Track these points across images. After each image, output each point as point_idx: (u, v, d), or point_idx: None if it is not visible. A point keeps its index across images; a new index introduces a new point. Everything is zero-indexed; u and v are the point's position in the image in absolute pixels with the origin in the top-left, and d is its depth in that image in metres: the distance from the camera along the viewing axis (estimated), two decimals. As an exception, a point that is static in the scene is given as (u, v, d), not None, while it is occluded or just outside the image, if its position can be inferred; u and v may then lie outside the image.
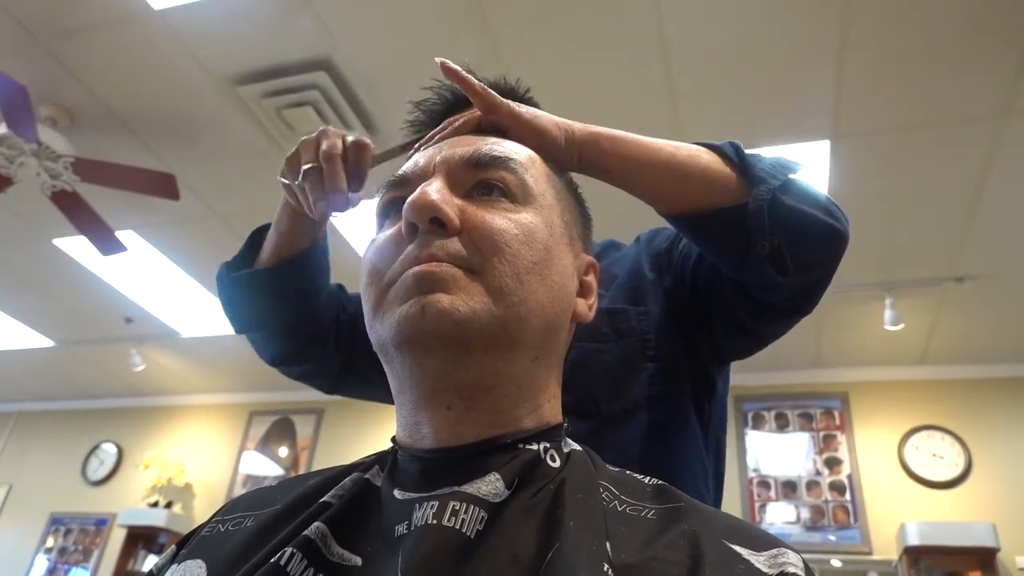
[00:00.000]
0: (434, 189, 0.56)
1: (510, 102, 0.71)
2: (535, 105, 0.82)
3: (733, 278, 0.80)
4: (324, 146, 0.76)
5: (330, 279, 0.98)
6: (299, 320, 0.94)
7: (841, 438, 4.28)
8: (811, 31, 2.41)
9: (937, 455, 4.09)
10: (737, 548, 0.46)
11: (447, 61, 0.72)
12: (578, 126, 0.74)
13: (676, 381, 0.88)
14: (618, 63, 2.54)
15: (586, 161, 0.74)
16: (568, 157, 0.73)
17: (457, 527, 0.46)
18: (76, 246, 3.93)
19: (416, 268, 0.54)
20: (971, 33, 2.35)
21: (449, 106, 0.94)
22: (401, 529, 0.49)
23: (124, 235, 3.63)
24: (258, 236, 0.94)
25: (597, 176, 0.77)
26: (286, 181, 0.79)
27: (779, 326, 0.86)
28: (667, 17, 2.39)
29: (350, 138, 0.78)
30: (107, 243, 3.32)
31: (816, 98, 2.64)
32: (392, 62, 2.68)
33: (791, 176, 0.75)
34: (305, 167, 0.76)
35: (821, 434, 4.33)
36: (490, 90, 0.71)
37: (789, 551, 0.47)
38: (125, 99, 2.96)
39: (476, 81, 0.72)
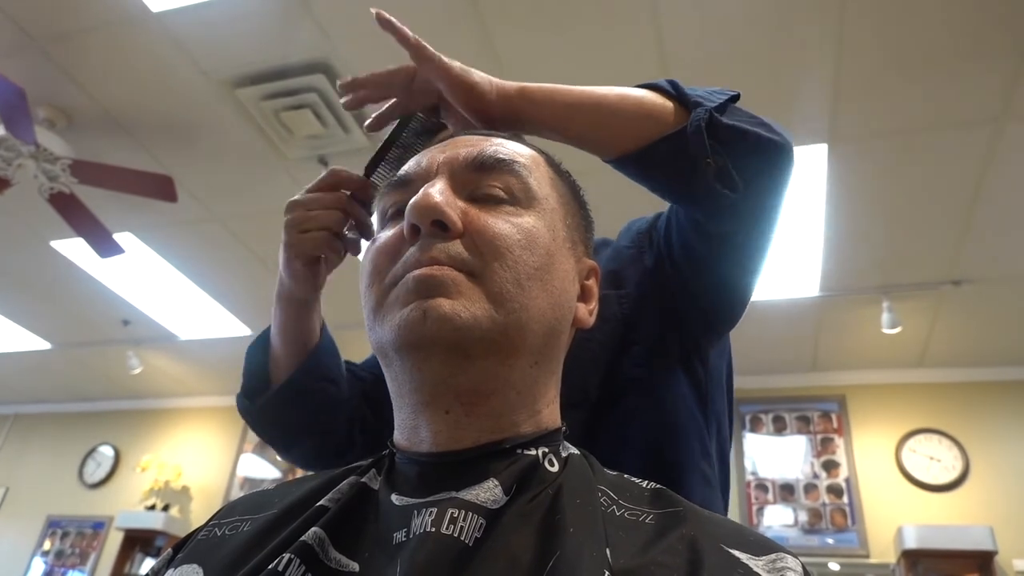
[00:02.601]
0: (437, 191, 0.56)
1: (442, 56, 0.72)
2: None
3: (693, 218, 0.79)
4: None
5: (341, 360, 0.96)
6: (335, 407, 0.92)
7: (839, 441, 4.28)
8: (809, 35, 2.41)
9: (935, 458, 4.09)
10: (736, 553, 0.46)
11: (382, 12, 0.74)
12: (509, 83, 0.75)
13: (662, 358, 0.86)
14: (615, 65, 2.54)
15: (519, 114, 0.74)
16: (500, 112, 0.73)
17: (456, 535, 0.46)
18: (73, 248, 3.93)
19: (417, 271, 0.53)
20: (968, 38, 2.36)
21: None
22: (400, 536, 0.48)
23: (122, 237, 3.63)
24: (253, 356, 0.91)
25: (533, 132, 0.77)
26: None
27: (747, 264, 0.83)
28: (664, 20, 2.40)
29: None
30: (104, 245, 3.31)
31: (814, 102, 2.64)
32: (390, 64, 2.67)
33: (728, 100, 0.75)
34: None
35: (819, 437, 4.32)
36: (423, 42, 0.72)
37: (788, 556, 0.47)
38: (123, 101, 2.95)
39: (409, 32, 0.72)
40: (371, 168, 0.79)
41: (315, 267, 0.79)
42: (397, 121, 0.80)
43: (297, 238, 0.76)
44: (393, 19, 0.73)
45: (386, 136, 0.80)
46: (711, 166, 0.71)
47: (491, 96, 0.73)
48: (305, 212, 0.76)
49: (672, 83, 0.76)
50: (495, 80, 0.74)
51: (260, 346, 0.91)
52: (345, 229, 0.77)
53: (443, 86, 0.72)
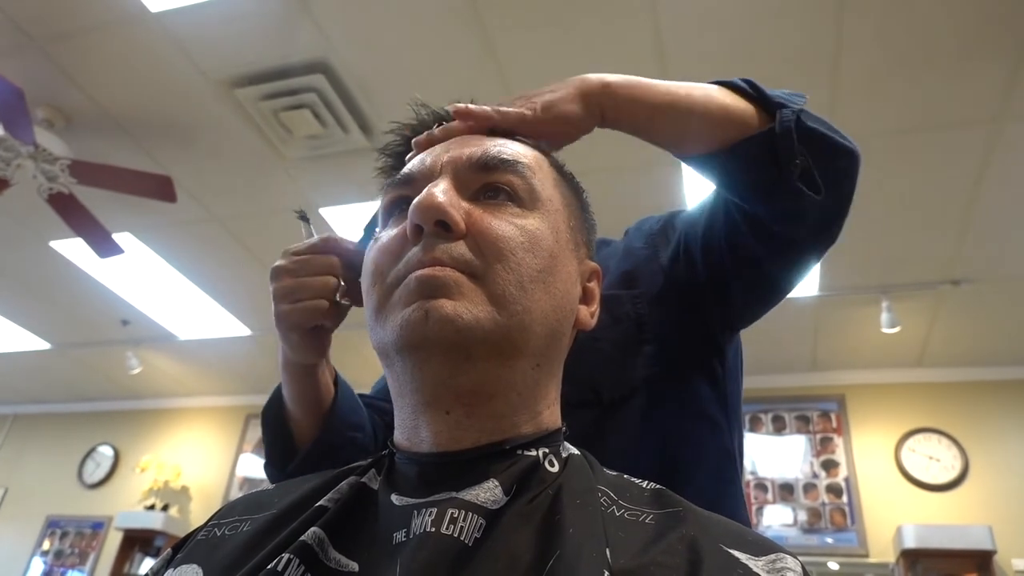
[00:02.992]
0: (440, 191, 0.55)
1: (523, 111, 0.69)
2: None
3: (756, 219, 0.79)
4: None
5: (361, 407, 0.92)
6: (365, 452, 0.87)
7: (838, 441, 4.28)
8: (807, 35, 2.41)
9: (934, 458, 4.09)
10: (735, 553, 0.46)
11: (458, 106, 0.68)
12: (591, 79, 0.72)
13: (677, 358, 0.86)
14: (614, 65, 2.53)
15: (604, 117, 0.73)
16: (588, 120, 0.72)
17: (455, 535, 0.46)
18: (73, 248, 3.93)
19: (420, 272, 0.53)
20: (967, 38, 2.36)
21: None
22: (399, 537, 0.48)
23: (121, 237, 3.63)
24: (272, 423, 0.86)
25: (615, 128, 0.75)
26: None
27: (800, 267, 0.84)
28: (663, 20, 2.40)
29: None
30: (104, 245, 3.31)
31: (811, 102, 2.62)
32: (389, 65, 2.68)
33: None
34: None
35: (818, 437, 4.33)
36: (501, 109, 0.69)
37: (787, 556, 0.47)
38: (122, 101, 2.95)
39: (489, 110, 0.68)
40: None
41: (314, 334, 0.75)
42: None
43: (287, 309, 0.72)
44: (469, 107, 0.68)
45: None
46: (797, 168, 0.72)
47: (579, 113, 0.70)
48: (294, 280, 0.72)
49: (749, 83, 0.76)
50: (576, 90, 0.71)
51: (274, 412, 0.85)
52: (337, 296, 0.73)
53: (541, 138, 0.69)
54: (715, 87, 0.76)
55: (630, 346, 0.86)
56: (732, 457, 0.88)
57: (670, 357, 0.86)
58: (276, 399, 0.85)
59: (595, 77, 0.73)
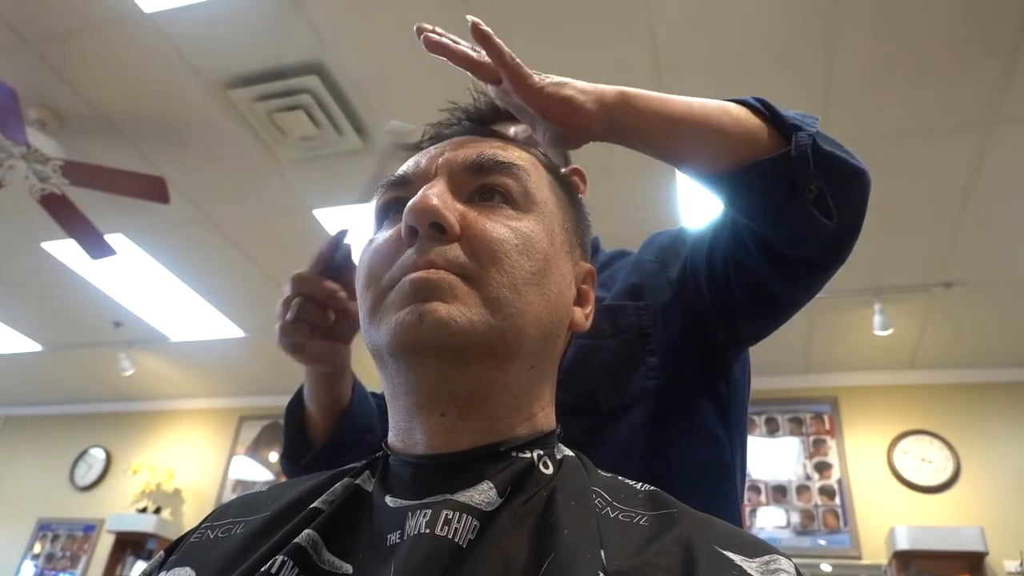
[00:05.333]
0: (435, 193, 0.55)
1: (533, 75, 0.67)
2: None
3: (763, 240, 0.78)
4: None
5: (375, 409, 0.98)
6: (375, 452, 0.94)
7: (831, 442, 4.29)
8: (799, 38, 2.42)
9: (926, 459, 4.11)
10: (729, 554, 0.46)
11: (478, 23, 0.66)
12: (608, 88, 0.71)
13: (680, 372, 0.87)
14: (609, 69, 2.55)
15: (618, 125, 0.71)
16: (600, 126, 0.70)
17: (450, 536, 0.46)
18: (65, 250, 3.91)
19: (414, 274, 0.53)
20: (958, 42, 2.37)
21: (477, 118, 0.91)
22: (394, 538, 0.48)
23: (113, 239, 3.61)
24: (292, 418, 0.95)
25: (627, 143, 0.73)
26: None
27: (809, 289, 0.83)
28: (657, 23, 2.40)
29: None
30: (96, 247, 3.30)
31: (804, 104, 2.63)
32: (384, 66, 2.68)
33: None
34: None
35: (811, 438, 4.34)
36: (519, 62, 0.67)
37: (781, 557, 0.47)
38: (115, 102, 2.94)
39: (506, 50, 0.67)
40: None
41: (318, 351, 0.84)
42: None
43: (288, 344, 0.82)
44: (490, 32, 0.66)
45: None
46: (812, 192, 0.71)
47: (589, 107, 0.68)
48: (282, 322, 0.81)
49: (763, 102, 0.74)
50: (592, 88, 0.69)
51: (294, 408, 0.94)
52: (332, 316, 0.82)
53: (536, 107, 0.68)
54: (730, 104, 0.74)
55: (632, 357, 0.86)
56: (731, 474, 0.87)
57: (673, 370, 0.86)
58: (299, 396, 0.93)
59: (613, 87, 0.71)
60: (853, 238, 0.78)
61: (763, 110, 0.74)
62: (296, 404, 0.94)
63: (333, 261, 0.82)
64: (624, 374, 0.86)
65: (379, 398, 0.98)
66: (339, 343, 0.85)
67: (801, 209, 0.71)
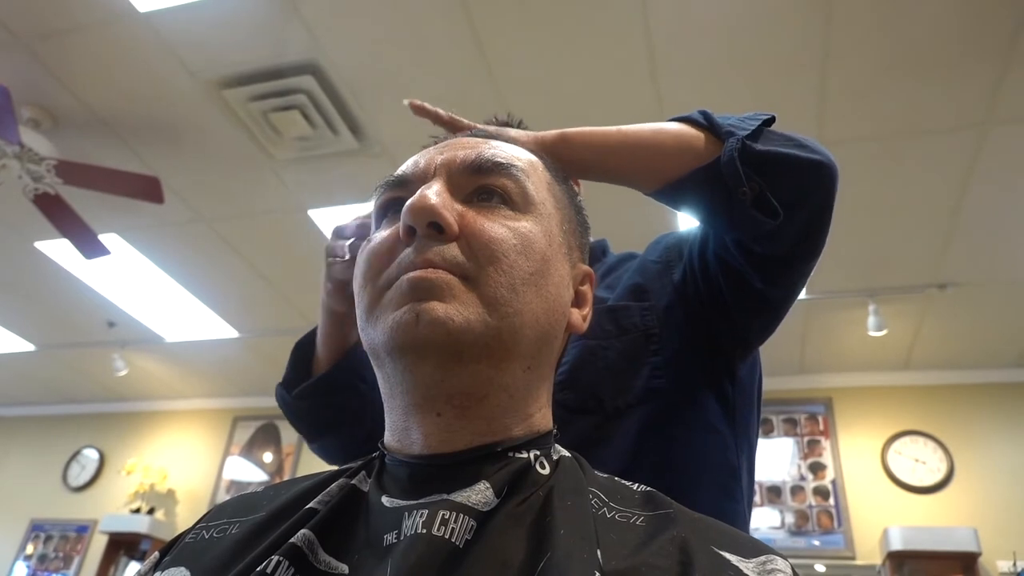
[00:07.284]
0: (434, 192, 0.56)
1: (475, 125, 0.78)
2: None
3: (736, 240, 0.80)
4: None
5: None
6: (363, 403, 0.97)
7: (825, 443, 4.31)
8: (795, 40, 2.43)
9: (920, 460, 4.12)
10: (726, 554, 0.46)
11: (414, 101, 0.82)
12: (548, 133, 0.78)
13: (685, 372, 0.87)
14: (604, 69, 2.55)
15: (559, 159, 0.75)
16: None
17: (446, 536, 0.46)
18: (58, 249, 3.90)
19: (412, 274, 0.53)
20: (953, 44, 2.38)
21: None
22: (390, 538, 0.48)
23: (107, 238, 3.60)
24: (298, 352, 1.01)
25: (576, 174, 0.80)
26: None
27: (790, 284, 0.84)
28: (653, 25, 2.40)
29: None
30: (90, 246, 3.29)
31: (800, 106, 2.66)
32: (379, 66, 2.67)
33: (761, 125, 0.75)
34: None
35: (805, 439, 4.35)
36: (456, 116, 0.80)
37: (778, 558, 0.47)
38: (109, 101, 2.93)
39: (441, 112, 0.81)
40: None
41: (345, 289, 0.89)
42: None
43: (337, 283, 0.89)
44: (424, 104, 0.83)
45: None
46: (748, 195, 0.72)
47: (529, 147, 0.73)
48: (334, 259, 0.89)
49: (704, 113, 0.77)
50: (534, 135, 0.78)
51: (305, 345, 1.00)
52: None
53: None
54: (671, 122, 0.79)
55: (637, 357, 0.87)
56: (736, 474, 0.87)
57: (678, 370, 0.87)
58: (311, 335, 1.00)
59: (553, 131, 0.78)
60: (820, 231, 0.79)
61: (703, 120, 0.77)
62: (306, 339, 1.00)
63: None
64: (629, 374, 0.86)
65: None
66: None
67: (741, 212, 0.73)
